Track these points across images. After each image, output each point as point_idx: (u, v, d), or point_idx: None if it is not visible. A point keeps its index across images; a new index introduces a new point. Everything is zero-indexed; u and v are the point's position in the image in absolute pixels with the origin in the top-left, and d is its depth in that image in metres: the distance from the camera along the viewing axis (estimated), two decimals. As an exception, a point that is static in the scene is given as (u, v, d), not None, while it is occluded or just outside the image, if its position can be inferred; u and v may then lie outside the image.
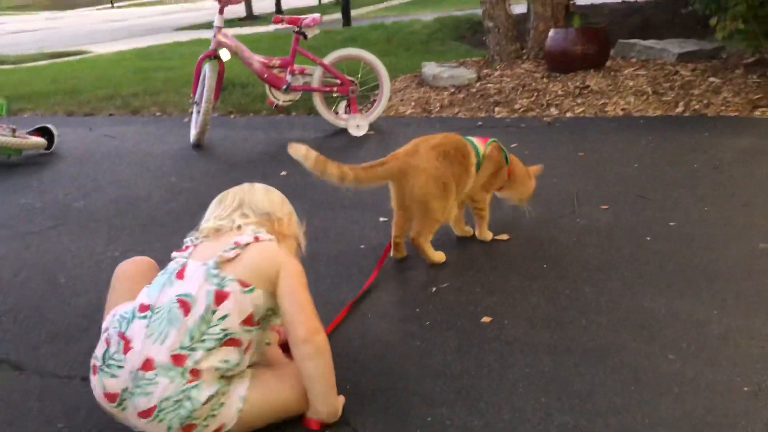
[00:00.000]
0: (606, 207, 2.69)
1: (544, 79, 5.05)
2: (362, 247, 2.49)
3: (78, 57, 10.54)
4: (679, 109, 4.28)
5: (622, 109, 4.42)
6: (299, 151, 2.06)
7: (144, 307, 1.46)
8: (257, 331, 1.49)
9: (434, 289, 2.07)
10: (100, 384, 1.44)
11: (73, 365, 1.83)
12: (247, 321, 1.46)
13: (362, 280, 2.17)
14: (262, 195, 1.66)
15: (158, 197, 3.31)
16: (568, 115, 4.47)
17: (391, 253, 2.35)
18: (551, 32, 5.17)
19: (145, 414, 1.39)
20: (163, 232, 2.84)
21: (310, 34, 4.27)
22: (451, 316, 1.93)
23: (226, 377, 1.43)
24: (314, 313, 1.49)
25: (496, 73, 5.43)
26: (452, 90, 5.17)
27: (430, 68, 5.58)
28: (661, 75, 4.82)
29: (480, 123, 4.44)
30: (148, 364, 1.40)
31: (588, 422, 1.45)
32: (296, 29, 4.26)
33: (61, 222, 3.04)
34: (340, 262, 2.35)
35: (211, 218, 1.61)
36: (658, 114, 4.27)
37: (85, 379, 1.63)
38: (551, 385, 1.59)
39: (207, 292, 1.44)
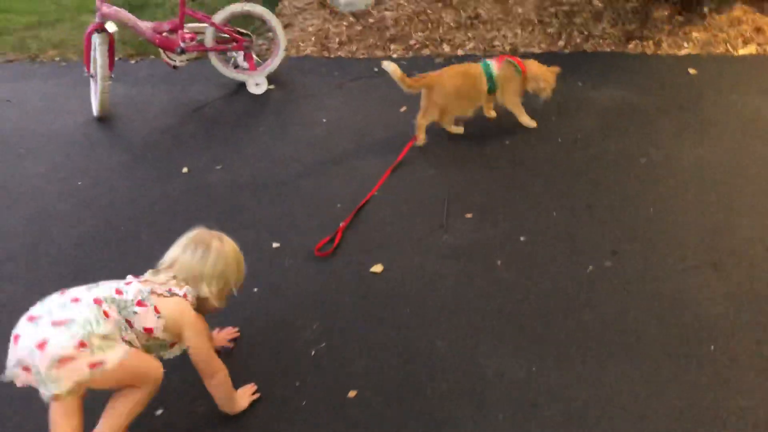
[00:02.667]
0: (470, 216, 2.95)
1: (439, 4, 5.03)
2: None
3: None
4: (561, 43, 4.41)
5: (510, 44, 4.51)
6: (389, 67, 3.31)
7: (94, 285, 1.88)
8: (148, 341, 1.87)
9: (313, 352, 2.36)
10: (24, 317, 1.75)
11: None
12: (148, 330, 1.84)
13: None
14: (210, 264, 1.96)
15: (58, 216, 3.25)
16: (459, 52, 4.54)
17: (417, 141, 3.43)
18: (443, -48, 5.06)
19: (60, 323, 1.69)
20: (62, 274, 2.76)
21: (196, -4, 4.13)
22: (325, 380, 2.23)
23: (119, 334, 1.77)
24: (212, 357, 1.96)
25: (395, -9, 5.33)
26: (351, 20, 5.10)
27: (328, -12, 5.43)
28: (550, -6, 4.85)
29: (376, 69, 4.49)
30: (75, 300, 1.76)
31: None
32: (182, -9, 4.12)
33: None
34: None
35: (163, 265, 1.98)
36: (543, 49, 4.40)
37: None
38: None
39: (136, 294, 1.85)
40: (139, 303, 1.82)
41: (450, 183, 3.14)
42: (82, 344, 1.67)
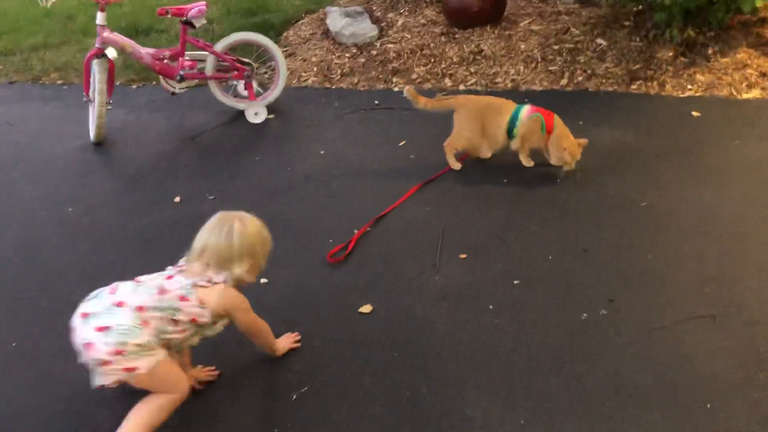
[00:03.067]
0: (464, 256, 2.87)
1: (443, 38, 5.01)
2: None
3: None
4: (564, 81, 4.37)
5: (512, 80, 4.48)
6: (409, 93, 3.43)
7: (137, 281, 2.05)
8: (194, 328, 2.04)
9: (294, 396, 2.28)
10: (79, 311, 1.96)
11: None
12: (194, 320, 2.02)
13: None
14: (236, 244, 2.07)
15: (47, 243, 3.22)
16: (461, 88, 4.51)
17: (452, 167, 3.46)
18: (449, -13, 5.06)
19: (102, 329, 1.89)
20: (45, 305, 2.74)
21: (197, 24, 4.12)
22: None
23: (158, 344, 1.95)
24: (257, 322, 2.22)
25: (399, 23, 5.34)
26: (354, 51, 5.09)
27: (333, 20, 5.44)
28: (553, 33, 4.82)
29: (377, 102, 4.46)
30: (120, 305, 1.94)
31: None
32: (183, 20, 4.11)
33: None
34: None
35: (194, 253, 2.08)
36: (545, 87, 4.36)
37: None
38: None
39: (178, 291, 2.01)
40: (182, 298, 1.99)
41: (445, 221, 3.08)
42: (117, 352, 1.87)
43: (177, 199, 3.47)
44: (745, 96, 3.91)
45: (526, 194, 3.22)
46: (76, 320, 1.95)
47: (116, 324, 1.89)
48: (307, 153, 3.86)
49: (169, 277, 2.05)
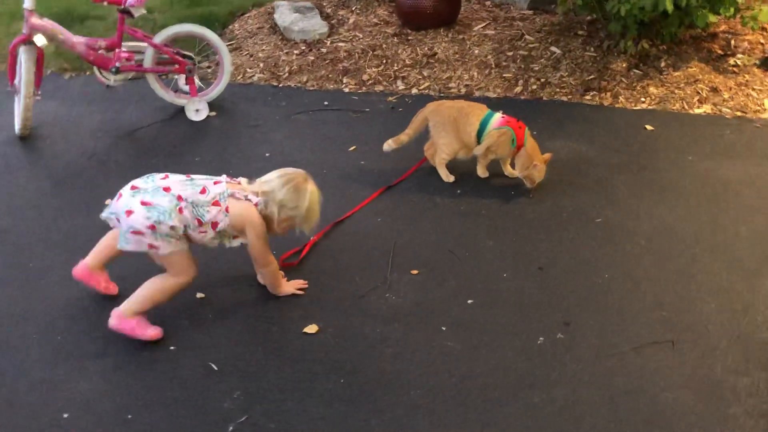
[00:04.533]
0: (416, 272, 2.72)
1: (395, 39, 4.86)
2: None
3: None
4: (518, 89, 4.28)
5: (465, 86, 4.36)
6: (389, 147, 3.31)
7: (188, 176, 2.34)
8: (213, 233, 2.31)
9: (231, 427, 2.09)
10: (130, 183, 2.28)
11: None
12: (214, 225, 2.28)
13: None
14: (290, 193, 2.35)
15: None
16: (414, 91, 4.37)
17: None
18: (403, -13, 4.90)
19: (146, 204, 2.19)
20: None
21: (136, 13, 3.85)
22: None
23: (182, 235, 2.26)
24: (266, 255, 2.40)
25: (351, 21, 5.17)
26: (303, 48, 4.89)
27: (282, 14, 5.22)
28: (507, 38, 4.73)
29: (326, 102, 4.27)
30: (166, 189, 2.24)
31: None
32: (120, 8, 3.83)
33: None
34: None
35: (259, 182, 2.41)
36: (498, 95, 4.25)
37: None
38: None
39: (215, 195, 2.29)
40: (215, 203, 2.26)
41: (396, 234, 2.93)
42: (152, 227, 2.17)
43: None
44: (696, 111, 3.90)
45: (480, 206, 3.10)
46: (125, 190, 2.23)
47: (158, 204, 2.17)
48: (251, 155, 3.65)
49: (217, 182, 2.31)
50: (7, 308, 2.53)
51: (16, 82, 3.84)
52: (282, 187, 2.32)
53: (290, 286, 2.55)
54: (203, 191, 2.27)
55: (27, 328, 2.44)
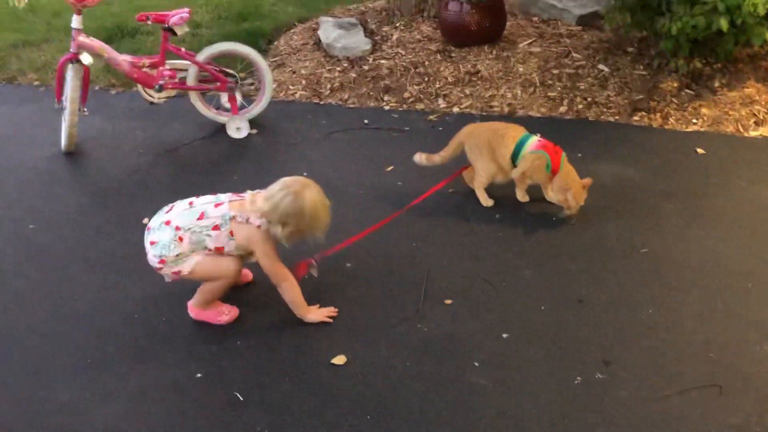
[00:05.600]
0: (450, 302, 2.63)
1: (438, 56, 4.78)
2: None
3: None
4: (563, 108, 4.14)
5: (508, 104, 4.25)
6: (420, 160, 3.27)
7: (191, 203, 2.43)
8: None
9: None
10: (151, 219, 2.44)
11: None
12: (219, 249, 2.38)
13: None
14: (291, 204, 2.32)
15: (2, 263, 2.98)
16: (455, 110, 4.28)
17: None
18: (447, 4, 4.81)
19: (152, 243, 2.36)
20: None
21: (179, 31, 3.87)
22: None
23: (195, 250, 2.36)
24: (278, 271, 2.41)
25: (394, 37, 5.11)
26: (345, 65, 4.85)
27: (325, 31, 5.20)
28: (554, 56, 4.60)
29: (366, 121, 4.22)
30: (167, 223, 2.35)
31: None
32: (164, 26, 3.86)
33: None
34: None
35: (260, 197, 2.40)
36: (542, 114, 4.13)
37: None
38: None
39: (215, 219, 2.34)
40: (215, 227, 2.32)
41: (431, 260, 2.84)
42: (161, 261, 2.34)
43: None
44: (752, 133, 3.70)
45: (519, 233, 2.98)
46: (146, 231, 2.40)
47: (160, 239, 2.32)
48: (289, 174, 3.58)
49: (218, 204, 2.36)
50: (36, 326, 2.54)
51: (62, 99, 3.90)
52: (283, 200, 2.31)
53: (320, 314, 2.50)
54: (201, 217, 2.33)
55: (55, 348, 2.44)
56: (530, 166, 3.02)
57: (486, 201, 3.16)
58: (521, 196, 3.17)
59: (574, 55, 4.58)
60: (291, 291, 2.44)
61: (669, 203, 3.16)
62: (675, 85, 4.13)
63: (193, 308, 2.51)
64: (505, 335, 2.43)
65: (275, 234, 2.34)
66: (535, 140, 3.04)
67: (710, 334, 2.38)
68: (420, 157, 3.27)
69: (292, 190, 2.31)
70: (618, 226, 3.00)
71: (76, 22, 3.73)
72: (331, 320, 2.50)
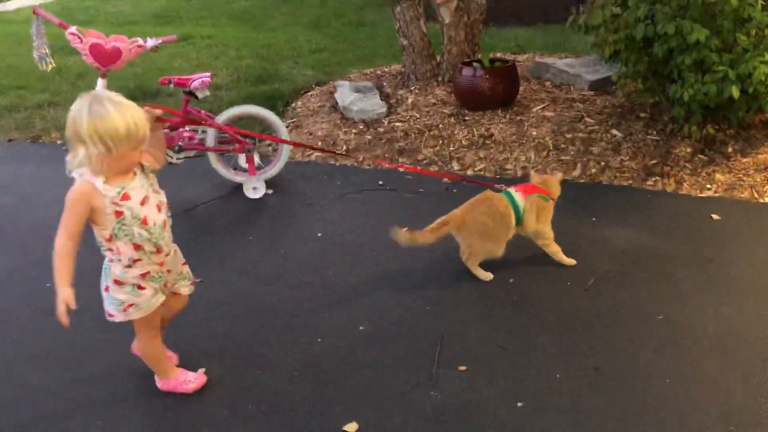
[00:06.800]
0: (464, 369, 2.61)
1: (452, 119, 4.86)
2: None
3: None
4: (576, 172, 4.18)
5: (522, 167, 4.29)
6: (399, 237, 3.05)
7: None
8: None
9: None
10: None
11: None
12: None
13: None
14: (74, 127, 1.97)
15: (16, 324, 3.00)
16: (470, 172, 4.32)
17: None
18: (462, 69, 4.92)
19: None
20: None
21: (200, 95, 3.98)
22: None
23: None
24: (60, 231, 2.03)
25: (409, 101, 5.21)
26: (361, 127, 4.94)
27: (342, 94, 5.32)
28: (566, 121, 4.66)
29: (381, 182, 4.27)
30: None
31: None
32: (185, 90, 3.97)
33: None
34: None
35: None
36: (556, 177, 4.15)
37: None
38: None
39: None
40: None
41: (444, 325, 2.83)
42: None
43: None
44: (767, 200, 3.70)
45: (533, 297, 2.97)
46: None
47: None
48: (304, 235, 3.65)
49: None
50: (51, 385, 2.53)
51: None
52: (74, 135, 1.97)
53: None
54: None
55: (68, 408, 2.43)
56: (537, 206, 3.09)
57: (486, 276, 3.14)
58: (565, 259, 3.19)
59: (587, 119, 4.64)
60: (57, 255, 2.09)
61: (685, 269, 3.14)
62: (688, 150, 4.16)
63: (158, 380, 2.44)
64: (519, 404, 2.39)
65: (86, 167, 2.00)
66: (517, 194, 3.11)
67: (729, 405, 2.33)
68: (396, 234, 3.07)
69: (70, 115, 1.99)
70: (633, 292, 2.98)
71: (100, 84, 3.85)
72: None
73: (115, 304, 2.21)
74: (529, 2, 8.01)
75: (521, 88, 5.06)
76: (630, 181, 4.00)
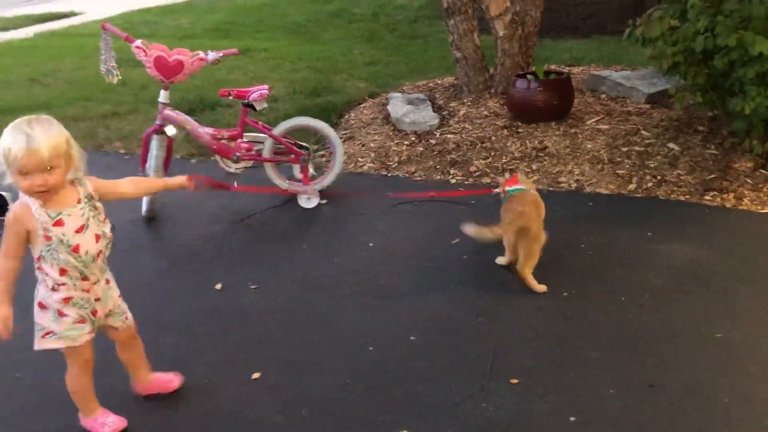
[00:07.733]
0: (516, 382, 2.60)
1: (504, 131, 4.85)
2: None
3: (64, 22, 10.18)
4: (632, 186, 4.11)
5: (576, 181, 4.25)
6: (471, 231, 3.06)
7: None
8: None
9: None
10: None
11: None
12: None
13: None
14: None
15: None
16: (521, 185, 4.29)
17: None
18: (515, 81, 4.92)
19: None
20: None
21: (258, 107, 4.08)
22: None
23: None
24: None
25: (461, 113, 5.22)
26: (413, 139, 4.97)
27: (395, 106, 5.37)
28: (622, 134, 4.60)
29: (433, 194, 4.29)
30: None
31: None
32: (244, 102, 4.08)
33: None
34: None
35: None
36: (611, 191, 4.11)
37: None
38: None
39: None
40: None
41: (496, 337, 2.82)
42: None
43: (218, 286, 3.33)
44: (833, 216, 3.57)
45: (587, 312, 2.94)
46: None
47: None
48: (356, 244, 3.69)
49: None
50: (114, 391, 2.62)
51: (146, 167, 4.13)
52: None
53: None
54: None
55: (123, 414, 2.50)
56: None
57: (539, 287, 3.10)
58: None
59: (643, 132, 4.57)
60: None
61: (745, 287, 3.06)
62: (749, 165, 4.06)
63: (80, 415, 2.39)
64: (572, 418, 2.37)
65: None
66: (517, 184, 3.21)
67: (792, 429, 2.26)
68: (470, 229, 3.08)
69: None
70: (690, 309, 2.93)
71: (163, 96, 3.98)
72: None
73: (36, 328, 2.17)
74: (584, 14, 7.94)
75: (576, 101, 5.02)
76: (687, 196, 3.92)
